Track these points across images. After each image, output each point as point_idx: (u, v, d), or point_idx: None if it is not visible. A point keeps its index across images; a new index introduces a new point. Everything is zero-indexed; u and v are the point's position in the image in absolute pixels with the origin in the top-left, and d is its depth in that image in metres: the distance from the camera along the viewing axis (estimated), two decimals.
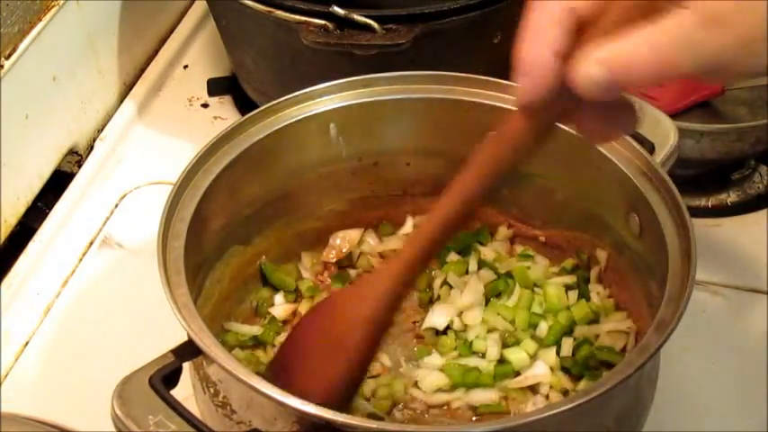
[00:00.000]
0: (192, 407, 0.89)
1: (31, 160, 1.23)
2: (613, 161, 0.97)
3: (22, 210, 1.22)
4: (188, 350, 0.83)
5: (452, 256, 1.10)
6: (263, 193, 1.04)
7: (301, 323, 0.94)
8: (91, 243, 1.21)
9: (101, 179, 1.29)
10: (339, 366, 0.88)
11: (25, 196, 1.23)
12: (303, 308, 1.06)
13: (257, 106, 1.01)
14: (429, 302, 1.07)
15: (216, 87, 1.42)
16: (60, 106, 1.28)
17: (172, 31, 1.51)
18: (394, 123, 1.06)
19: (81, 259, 1.19)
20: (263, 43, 1.24)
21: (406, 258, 0.87)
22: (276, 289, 1.08)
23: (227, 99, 1.41)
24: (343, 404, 0.90)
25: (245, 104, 1.38)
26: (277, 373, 0.91)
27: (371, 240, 1.12)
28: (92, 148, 1.33)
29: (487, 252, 1.10)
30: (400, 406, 0.99)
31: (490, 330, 1.03)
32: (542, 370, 0.99)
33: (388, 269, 0.88)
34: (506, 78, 1.04)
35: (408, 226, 1.13)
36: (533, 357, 1.00)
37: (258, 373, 0.83)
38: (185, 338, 0.83)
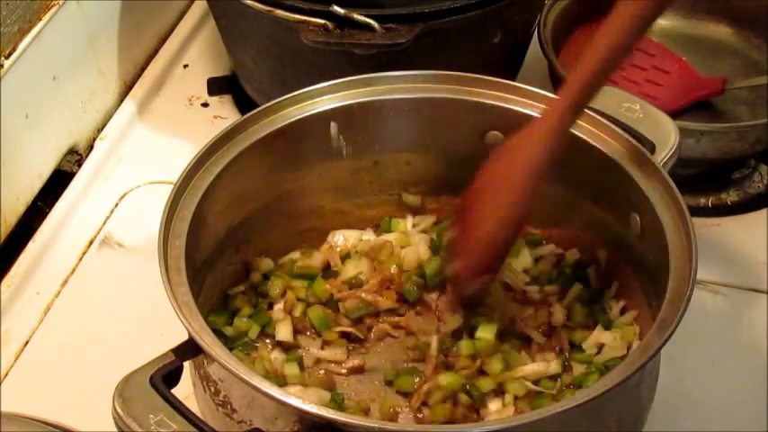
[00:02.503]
0: (193, 406, 0.89)
1: (31, 160, 1.23)
2: (614, 161, 0.97)
3: (22, 209, 1.22)
4: (189, 349, 0.83)
5: None
6: (264, 192, 1.04)
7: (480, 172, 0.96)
8: (91, 242, 1.21)
9: (101, 179, 1.29)
10: (503, 208, 0.92)
11: (25, 196, 1.22)
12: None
13: (257, 105, 1.02)
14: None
15: (216, 87, 1.42)
16: (60, 106, 1.27)
17: (172, 30, 1.51)
18: (394, 123, 1.06)
19: (81, 259, 1.19)
20: (264, 43, 1.23)
21: (564, 105, 0.90)
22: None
23: (227, 98, 1.41)
24: (502, 256, 0.96)
25: (245, 104, 1.38)
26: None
27: (371, 239, 1.12)
28: (92, 147, 1.33)
29: None
30: None
31: None
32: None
33: (545, 118, 0.92)
34: (506, 78, 1.04)
35: (408, 225, 1.13)
36: None
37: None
38: (186, 337, 0.83)
